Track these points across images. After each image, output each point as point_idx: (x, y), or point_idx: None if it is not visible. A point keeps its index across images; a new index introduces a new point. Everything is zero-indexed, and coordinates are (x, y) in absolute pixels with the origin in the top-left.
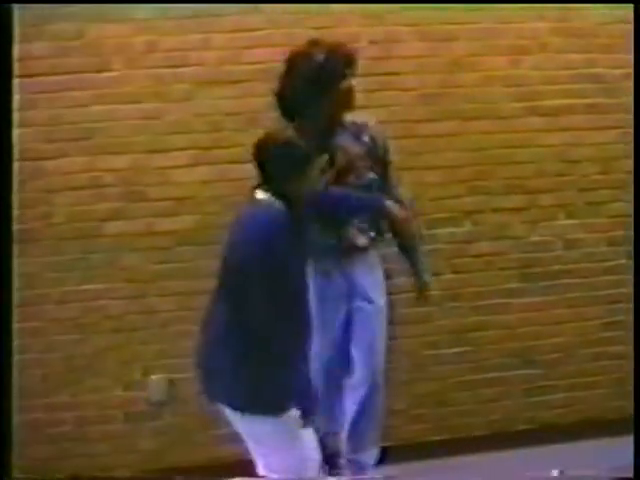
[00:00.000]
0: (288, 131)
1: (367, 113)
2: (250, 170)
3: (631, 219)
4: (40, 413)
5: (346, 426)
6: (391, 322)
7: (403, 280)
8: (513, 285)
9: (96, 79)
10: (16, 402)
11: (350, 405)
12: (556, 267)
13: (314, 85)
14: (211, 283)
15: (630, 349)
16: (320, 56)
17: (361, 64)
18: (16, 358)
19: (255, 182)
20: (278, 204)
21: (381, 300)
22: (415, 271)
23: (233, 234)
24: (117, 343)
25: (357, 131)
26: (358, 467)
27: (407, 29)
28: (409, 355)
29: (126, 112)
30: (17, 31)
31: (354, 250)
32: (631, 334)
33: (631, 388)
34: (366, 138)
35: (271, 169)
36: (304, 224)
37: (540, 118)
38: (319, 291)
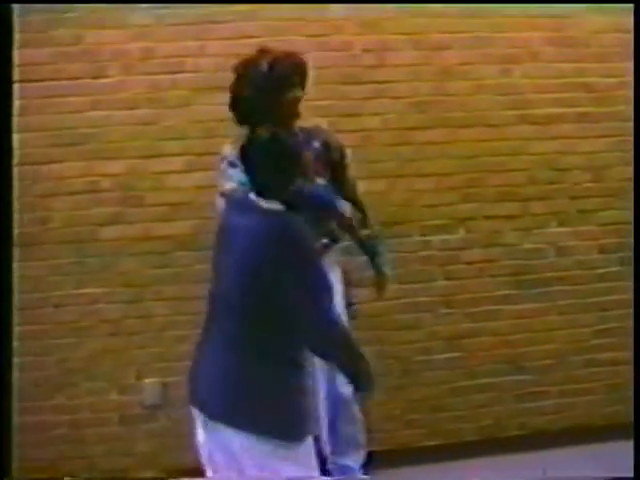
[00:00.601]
0: (264, 131)
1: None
2: None
3: (631, 226)
4: (37, 415)
5: (325, 430)
6: (383, 328)
7: (396, 287)
8: (505, 292)
9: (93, 85)
10: (13, 405)
11: (327, 408)
12: (548, 274)
13: (261, 93)
14: (207, 288)
15: (627, 355)
16: (266, 65)
17: (355, 72)
18: (14, 361)
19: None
20: (286, 210)
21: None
22: (373, 265)
23: (245, 251)
24: (113, 347)
25: (307, 137)
26: (344, 471)
27: (401, 37)
28: (402, 361)
29: (122, 118)
30: (16, 37)
31: None
32: (625, 340)
33: (631, 393)
34: (316, 144)
35: (264, 171)
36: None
37: (531, 126)
38: None
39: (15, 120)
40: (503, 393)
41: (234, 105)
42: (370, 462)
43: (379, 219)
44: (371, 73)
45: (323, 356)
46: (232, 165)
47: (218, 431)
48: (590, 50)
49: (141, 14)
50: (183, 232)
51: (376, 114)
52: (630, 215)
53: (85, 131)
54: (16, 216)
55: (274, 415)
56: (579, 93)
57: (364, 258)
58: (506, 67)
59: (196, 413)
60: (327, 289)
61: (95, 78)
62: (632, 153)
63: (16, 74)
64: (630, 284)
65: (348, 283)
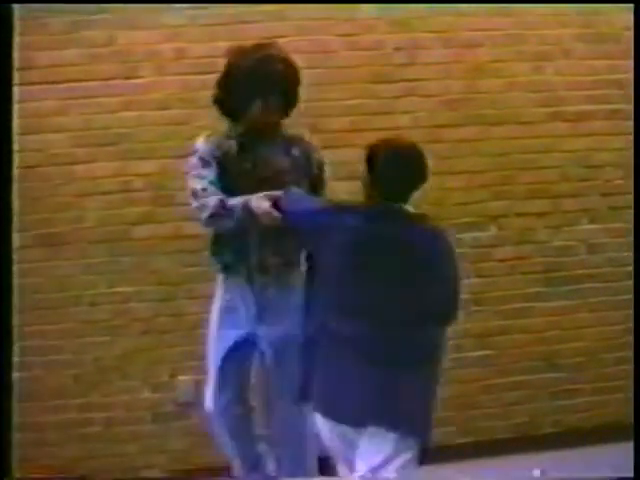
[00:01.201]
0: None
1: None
2: None
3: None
4: (71, 413)
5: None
6: None
7: None
8: (536, 289)
9: (125, 85)
10: (49, 402)
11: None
12: (579, 272)
13: (246, 87)
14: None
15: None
16: (253, 60)
17: (386, 70)
18: (48, 359)
19: None
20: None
21: None
22: None
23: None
24: (146, 345)
25: (287, 145)
26: None
27: (431, 36)
28: None
29: (155, 118)
30: (49, 38)
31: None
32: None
33: (625, 394)
34: (296, 152)
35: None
36: None
37: (563, 123)
38: None
39: (46, 121)
40: (536, 391)
41: (217, 97)
42: None
43: None
44: (402, 71)
45: None
46: (205, 164)
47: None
48: (621, 47)
49: (173, 15)
50: None
51: (407, 112)
52: None
53: (118, 131)
54: (50, 216)
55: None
56: (611, 90)
57: None
58: (538, 64)
59: (330, 424)
60: None
61: (127, 79)
62: (631, 153)
63: (50, 75)
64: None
65: None
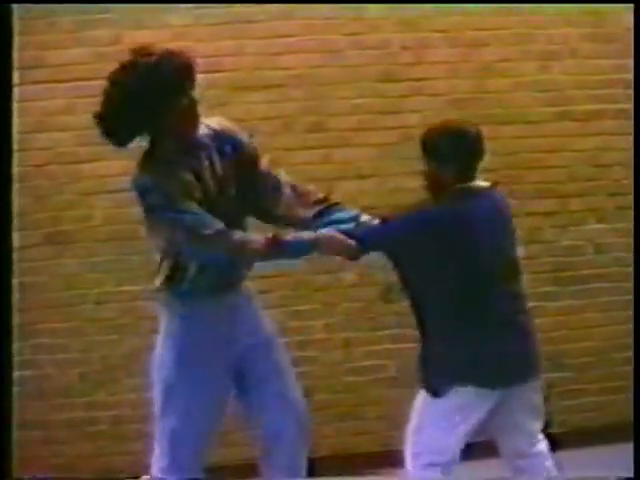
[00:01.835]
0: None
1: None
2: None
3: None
4: (78, 412)
5: None
6: None
7: None
8: (544, 289)
9: None
10: (56, 401)
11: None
12: (586, 271)
13: (146, 99)
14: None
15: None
16: (152, 66)
17: (393, 70)
18: (55, 357)
19: None
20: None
21: None
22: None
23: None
24: (152, 344)
25: (217, 141)
26: None
27: (438, 35)
28: None
29: None
30: (55, 37)
31: None
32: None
33: (631, 395)
34: (228, 148)
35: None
36: None
37: (571, 123)
38: None
39: (53, 119)
40: (544, 390)
41: (102, 117)
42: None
43: None
44: (409, 71)
45: None
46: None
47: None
48: (628, 46)
49: (179, 14)
50: None
51: (414, 111)
52: None
53: None
54: (56, 214)
55: None
56: (618, 89)
57: None
58: (545, 64)
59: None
60: None
61: None
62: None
63: (58, 74)
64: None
65: None
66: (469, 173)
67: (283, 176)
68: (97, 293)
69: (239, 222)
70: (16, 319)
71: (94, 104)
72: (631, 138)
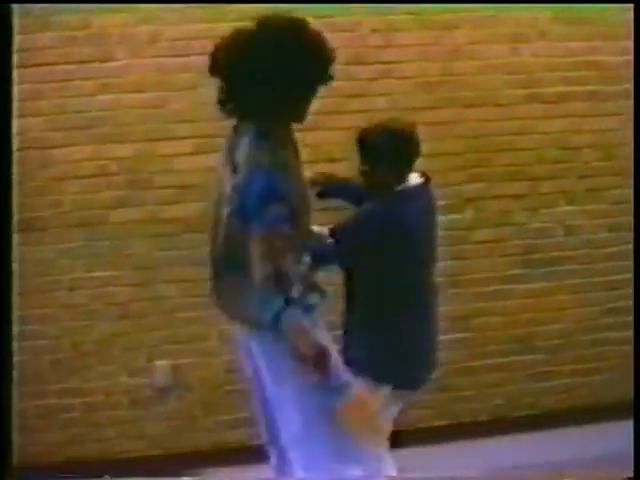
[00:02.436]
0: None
1: None
2: None
3: (631, 205)
4: (51, 399)
5: None
6: None
7: None
8: (514, 271)
9: (101, 69)
10: (28, 388)
11: None
12: (557, 253)
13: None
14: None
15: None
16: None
17: (362, 52)
18: (27, 344)
19: None
20: None
21: None
22: None
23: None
24: (123, 330)
25: None
26: None
27: (408, 17)
28: None
29: (131, 101)
30: (23, 22)
31: None
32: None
33: (631, 389)
34: None
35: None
36: None
37: (540, 105)
38: None
39: (24, 104)
40: (513, 373)
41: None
42: None
43: None
44: (378, 53)
45: None
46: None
47: None
48: (599, 28)
49: None
50: (192, 214)
51: (383, 95)
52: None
53: (94, 114)
54: (27, 200)
55: None
56: (588, 71)
57: None
58: (514, 46)
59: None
60: None
61: (103, 62)
62: (632, 135)
63: (25, 59)
64: (631, 264)
65: None
66: (405, 172)
67: None
68: (69, 279)
69: None
70: None
71: (64, 89)
72: (601, 120)
